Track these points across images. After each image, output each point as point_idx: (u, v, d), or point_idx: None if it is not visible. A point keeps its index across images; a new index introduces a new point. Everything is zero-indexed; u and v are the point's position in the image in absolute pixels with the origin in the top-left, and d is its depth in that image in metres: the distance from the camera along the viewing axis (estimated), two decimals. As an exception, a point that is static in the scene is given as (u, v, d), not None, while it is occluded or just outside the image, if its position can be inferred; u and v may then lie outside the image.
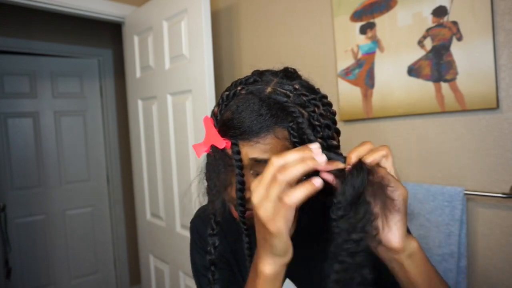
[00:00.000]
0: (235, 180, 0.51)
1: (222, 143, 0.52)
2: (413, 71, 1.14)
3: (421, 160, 1.16)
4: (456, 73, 1.05)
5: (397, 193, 0.43)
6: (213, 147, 0.53)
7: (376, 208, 0.46)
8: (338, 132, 0.57)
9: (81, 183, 2.79)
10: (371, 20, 1.24)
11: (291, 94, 0.53)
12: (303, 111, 0.53)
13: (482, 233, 1.05)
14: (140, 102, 2.01)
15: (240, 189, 0.51)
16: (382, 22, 1.21)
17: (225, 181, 0.54)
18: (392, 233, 0.45)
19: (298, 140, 0.51)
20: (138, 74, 2.00)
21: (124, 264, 2.90)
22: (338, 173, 0.44)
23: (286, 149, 0.51)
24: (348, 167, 0.43)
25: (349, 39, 1.31)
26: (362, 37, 1.27)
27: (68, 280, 2.71)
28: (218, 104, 0.58)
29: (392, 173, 0.44)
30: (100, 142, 2.87)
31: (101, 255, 2.86)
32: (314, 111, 0.52)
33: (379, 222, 0.45)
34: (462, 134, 1.07)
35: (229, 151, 0.52)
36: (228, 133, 0.52)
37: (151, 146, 1.92)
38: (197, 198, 0.59)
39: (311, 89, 0.57)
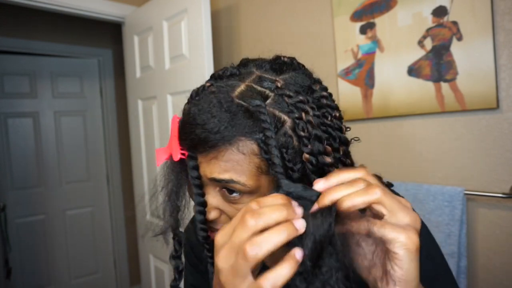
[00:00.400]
0: (195, 201, 0.44)
1: (177, 154, 0.43)
2: (413, 71, 1.14)
3: (421, 160, 1.16)
4: (456, 73, 1.05)
5: (396, 246, 0.31)
6: (171, 157, 0.45)
7: (373, 255, 0.35)
8: (344, 142, 0.44)
9: (81, 183, 2.79)
10: (371, 20, 1.24)
11: (270, 94, 0.42)
12: (285, 117, 0.41)
13: (482, 233, 1.05)
14: (140, 102, 2.01)
15: (200, 211, 0.43)
16: (382, 22, 1.21)
17: (181, 196, 0.47)
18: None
19: (270, 157, 0.40)
20: (138, 74, 2.00)
21: (124, 264, 2.90)
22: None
23: (255, 167, 0.41)
24: (315, 208, 0.33)
25: (349, 39, 1.31)
26: (362, 37, 1.27)
27: (68, 280, 2.70)
28: (187, 101, 0.47)
29: (392, 217, 0.32)
30: (100, 142, 2.87)
31: (101, 255, 2.86)
32: (300, 118, 0.41)
33: (377, 273, 0.35)
34: (462, 134, 1.07)
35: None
36: (183, 140, 0.43)
37: (151, 146, 1.92)
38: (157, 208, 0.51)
39: (304, 87, 0.44)
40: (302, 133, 0.40)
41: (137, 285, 2.87)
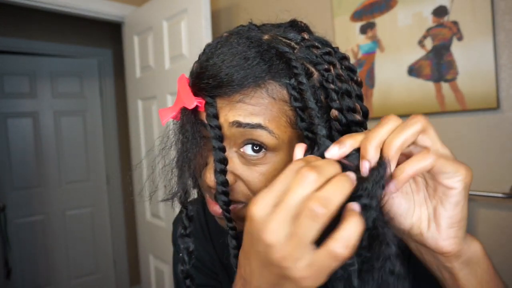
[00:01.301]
0: (213, 158, 0.36)
1: (192, 101, 0.36)
2: (414, 71, 1.14)
3: (421, 160, 1.16)
4: (456, 73, 1.05)
5: (455, 180, 0.29)
6: (183, 110, 0.38)
7: (419, 197, 0.32)
8: (365, 113, 0.39)
9: (81, 183, 2.79)
10: (371, 20, 1.24)
11: (296, 46, 0.38)
12: (312, 69, 0.37)
13: (482, 233, 1.05)
14: (140, 102, 2.01)
15: (222, 170, 0.36)
16: (382, 22, 1.21)
17: (195, 158, 0.38)
18: (442, 232, 0.30)
19: (302, 106, 0.35)
20: (138, 74, 2.00)
21: (124, 264, 2.90)
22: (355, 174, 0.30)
23: (285, 115, 0.36)
24: (365, 166, 0.29)
25: (349, 39, 1.30)
26: (362, 37, 1.27)
27: (68, 280, 2.70)
28: (198, 59, 0.42)
29: (438, 148, 0.30)
30: (100, 142, 2.86)
31: (101, 255, 2.85)
32: (328, 70, 0.37)
33: (422, 215, 0.32)
34: (462, 134, 1.07)
35: (204, 116, 0.37)
36: (200, 85, 0.37)
37: (151, 146, 1.91)
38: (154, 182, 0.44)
39: (327, 45, 0.41)
40: (331, 86, 0.36)
41: (137, 285, 2.87)
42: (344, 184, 0.26)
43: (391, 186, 0.29)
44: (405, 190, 0.33)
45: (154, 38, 1.81)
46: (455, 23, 1.04)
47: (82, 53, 2.73)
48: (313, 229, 0.25)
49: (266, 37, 0.38)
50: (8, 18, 2.38)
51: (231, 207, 0.38)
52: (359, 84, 0.40)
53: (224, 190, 0.36)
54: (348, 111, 0.37)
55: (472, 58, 1.02)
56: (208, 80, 0.35)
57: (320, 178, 0.26)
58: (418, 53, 1.13)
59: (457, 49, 1.04)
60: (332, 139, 0.35)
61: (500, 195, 0.97)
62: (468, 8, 1.01)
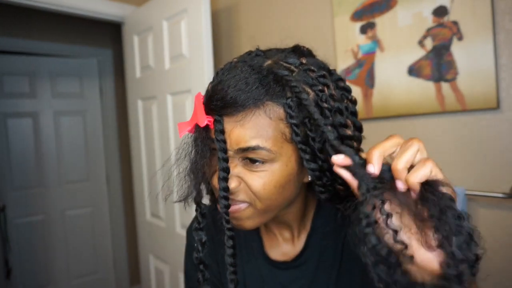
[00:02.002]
0: (218, 167, 0.43)
1: (204, 120, 0.44)
2: (414, 71, 1.14)
3: (421, 160, 1.16)
4: (456, 73, 1.05)
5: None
6: (196, 126, 0.46)
7: (405, 219, 0.37)
8: (359, 128, 0.46)
9: (81, 183, 2.79)
10: (371, 20, 1.24)
11: (295, 69, 0.44)
12: (308, 89, 0.43)
13: (482, 233, 1.04)
14: (140, 102, 2.01)
15: (224, 177, 0.43)
16: (382, 22, 1.21)
17: (205, 167, 0.46)
18: (430, 252, 0.34)
19: (297, 122, 0.42)
20: (138, 74, 2.00)
21: (124, 264, 2.90)
22: (357, 170, 0.36)
23: (280, 133, 0.43)
24: (371, 170, 0.36)
25: (349, 39, 1.30)
26: (362, 37, 1.27)
27: (68, 280, 2.70)
28: (212, 81, 0.49)
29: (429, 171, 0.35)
30: (100, 142, 2.86)
31: (101, 255, 2.85)
32: (322, 91, 0.43)
33: (411, 235, 0.36)
34: (462, 134, 1.07)
35: (213, 132, 0.44)
36: (210, 106, 0.44)
37: (151, 146, 1.91)
38: (167, 186, 0.51)
39: (323, 68, 0.47)
40: (325, 105, 0.42)
41: (137, 285, 2.86)
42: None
43: (399, 185, 0.36)
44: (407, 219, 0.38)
45: (154, 38, 1.81)
46: (455, 23, 1.04)
47: (82, 53, 2.73)
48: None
49: (268, 62, 0.45)
50: (8, 18, 2.38)
51: (236, 207, 0.46)
52: (354, 102, 0.46)
53: (225, 195, 0.43)
54: (340, 126, 0.43)
55: (472, 58, 1.02)
56: (217, 102, 0.43)
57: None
58: (418, 53, 1.13)
59: (457, 49, 1.04)
60: (327, 151, 0.41)
61: (500, 195, 0.97)
62: (468, 8, 1.01)
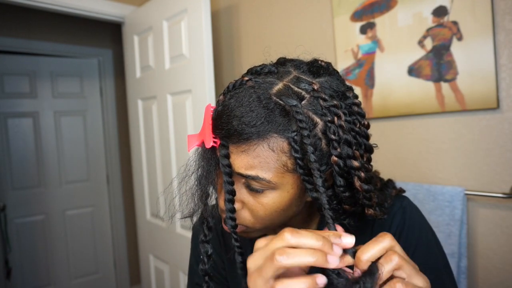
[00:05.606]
0: (224, 189, 0.44)
1: (210, 141, 0.45)
2: (413, 71, 1.14)
3: (421, 160, 1.16)
4: (456, 73, 1.05)
5: None
6: (203, 144, 0.46)
7: None
8: (369, 149, 0.46)
9: (81, 183, 2.79)
10: (371, 20, 1.24)
11: (306, 95, 0.43)
12: (318, 120, 0.43)
13: (482, 233, 1.05)
14: (140, 102, 2.01)
15: (230, 200, 0.44)
16: (382, 22, 1.21)
17: (211, 183, 0.47)
18: None
19: (301, 156, 0.42)
20: (138, 74, 2.00)
21: (124, 264, 2.90)
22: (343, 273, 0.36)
23: (281, 164, 0.42)
24: (357, 272, 0.35)
25: (349, 39, 1.31)
26: (362, 37, 1.27)
27: (68, 280, 2.70)
28: (223, 92, 0.49)
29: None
30: (100, 142, 2.87)
31: (101, 255, 2.85)
32: (332, 121, 0.42)
33: None
34: (462, 134, 1.07)
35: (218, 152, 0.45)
36: (216, 129, 0.45)
37: (151, 146, 1.92)
38: (178, 197, 0.52)
39: (338, 93, 0.46)
40: (332, 136, 0.42)
41: (137, 285, 2.87)
42: (311, 256, 0.32)
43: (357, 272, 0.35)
44: None
45: (154, 38, 1.81)
46: (455, 23, 1.04)
47: (82, 53, 2.73)
48: (270, 269, 0.32)
49: (278, 87, 0.44)
50: (8, 18, 2.38)
51: (238, 228, 0.47)
52: (366, 127, 0.47)
53: (232, 216, 0.44)
54: (347, 158, 0.43)
55: (472, 58, 1.02)
56: (222, 130, 0.43)
57: (292, 240, 0.33)
58: (418, 53, 1.13)
59: (457, 49, 1.04)
60: (334, 179, 0.44)
61: (500, 195, 0.97)
62: (468, 8, 1.01)
